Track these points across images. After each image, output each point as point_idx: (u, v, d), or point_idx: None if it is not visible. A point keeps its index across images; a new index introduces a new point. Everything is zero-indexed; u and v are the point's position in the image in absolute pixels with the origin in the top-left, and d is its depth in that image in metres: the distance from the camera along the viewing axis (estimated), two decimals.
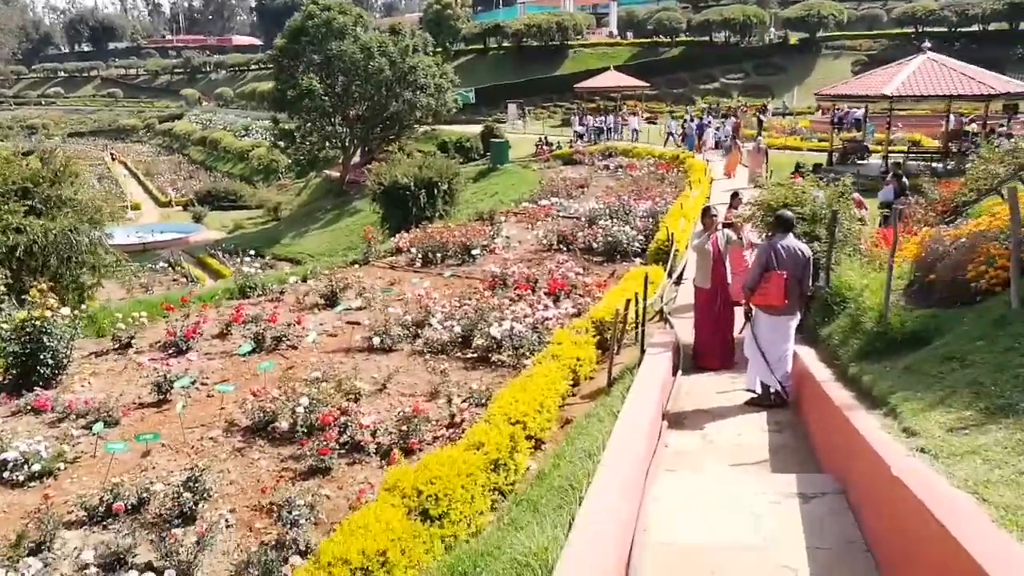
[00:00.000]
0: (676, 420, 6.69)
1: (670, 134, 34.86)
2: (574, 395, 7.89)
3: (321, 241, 35.59)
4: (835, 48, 58.74)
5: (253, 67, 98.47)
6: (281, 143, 41.04)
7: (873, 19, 65.19)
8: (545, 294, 11.92)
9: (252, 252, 35.75)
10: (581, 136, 37.38)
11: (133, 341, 10.19)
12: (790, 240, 6.71)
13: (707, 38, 62.28)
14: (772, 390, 6.84)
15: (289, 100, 37.50)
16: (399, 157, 21.92)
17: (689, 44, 62.43)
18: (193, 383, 8.75)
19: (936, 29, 53.96)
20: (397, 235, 17.32)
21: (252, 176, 58.15)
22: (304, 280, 13.47)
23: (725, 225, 8.28)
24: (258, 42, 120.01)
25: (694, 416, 6.78)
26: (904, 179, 15.04)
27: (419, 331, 10.23)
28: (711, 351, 8.30)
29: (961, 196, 10.22)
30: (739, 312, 7.82)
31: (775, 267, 6.56)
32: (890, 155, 23.05)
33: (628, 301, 8.58)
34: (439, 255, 15.12)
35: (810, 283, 6.91)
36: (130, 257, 36.43)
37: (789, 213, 6.94)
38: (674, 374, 7.87)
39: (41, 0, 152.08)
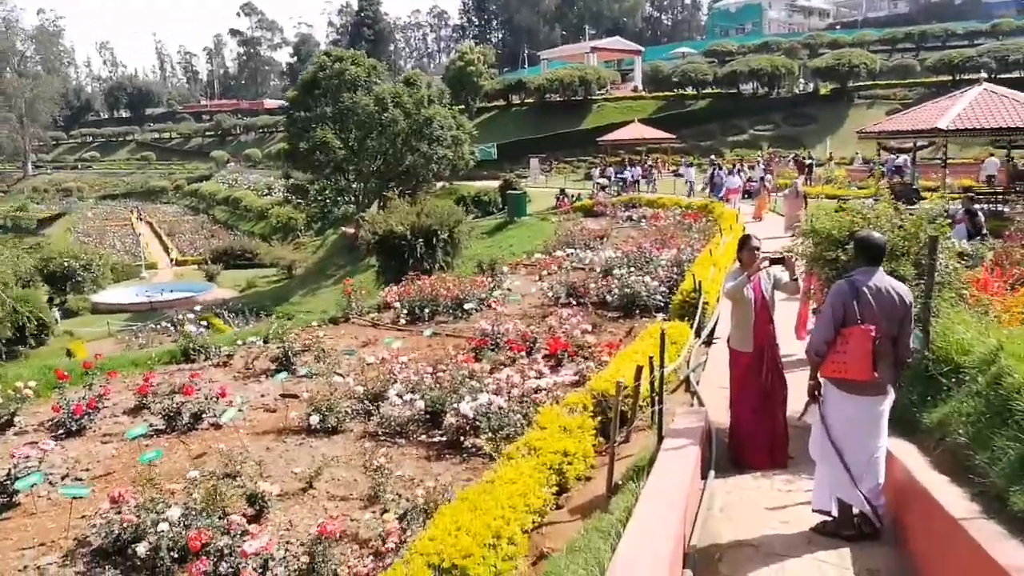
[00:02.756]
0: (705, 563, 4.31)
1: (690, 184, 33.20)
2: (560, 506, 5.55)
3: (331, 299, 33.80)
4: (868, 97, 56.72)
5: (280, 128, 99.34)
6: (294, 198, 39.69)
7: (906, 69, 63.13)
8: (544, 357, 9.66)
9: (258, 311, 34.70)
10: (604, 188, 35.51)
11: (16, 419, 8.06)
12: (880, 278, 4.41)
13: (734, 90, 60.74)
14: (856, 511, 4.45)
15: (302, 154, 36.23)
16: (397, 204, 19.96)
17: (716, 96, 60.92)
18: (55, 480, 6.55)
19: (974, 76, 51.75)
20: (386, 289, 15.24)
21: (271, 234, 57.21)
22: (266, 340, 11.33)
23: (773, 261, 5.92)
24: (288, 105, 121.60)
25: (733, 556, 4.38)
26: (979, 216, 12.62)
27: (376, 406, 7.97)
28: (756, 442, 5.89)
29: None
30: (795, 378, 5.48)
31: (857, 319, 4.26)
32: (952, 197, 20.58)
33: (640, 368, 6.28)
34: (428, 311, 12.96)
35: (910, 343, 4.52)
36: (136, 316, 35.55)
37: (878, 235, 4.59)
38: (703, 476, 5.50)
39: (84, 70, 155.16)
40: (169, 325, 32.48)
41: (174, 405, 7.79)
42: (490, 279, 14.65)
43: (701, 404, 7.09)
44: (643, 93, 65.85)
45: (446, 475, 6.60)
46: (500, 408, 7.34)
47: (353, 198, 38.97)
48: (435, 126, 36.85)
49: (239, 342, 10.79)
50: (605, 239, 21.70)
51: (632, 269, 14.33)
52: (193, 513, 5.46)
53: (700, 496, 5.17)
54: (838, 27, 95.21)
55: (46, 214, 77.99)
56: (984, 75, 21.62)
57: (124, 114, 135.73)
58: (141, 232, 66.24)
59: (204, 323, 31.48)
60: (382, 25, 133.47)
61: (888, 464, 4.45)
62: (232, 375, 9.73)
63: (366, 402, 8.00)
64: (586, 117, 60.43)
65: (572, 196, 34.55)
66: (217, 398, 7.99)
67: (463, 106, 58.58)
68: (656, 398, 6.27)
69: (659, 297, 12.70)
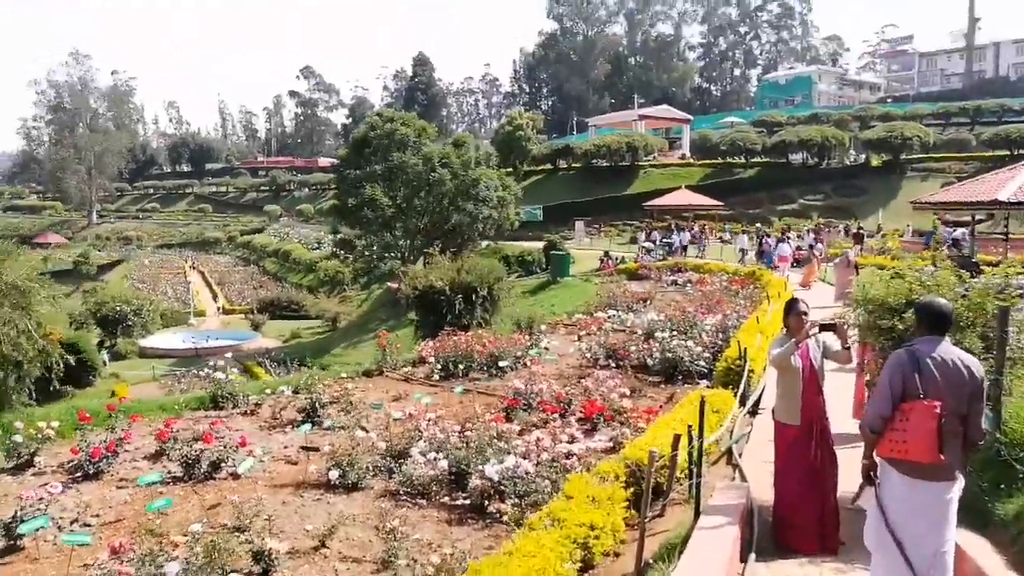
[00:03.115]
0: None
1: (743, 251, 32.63)
2: None
3: (371, 352, 33.60)
4: (921, 170, 55.78)
5: (332, 186, 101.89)
6: (342, 253, 40.23)
7: (961, 143, 62.07)
8: (578, 420, 9.23)
9: (299, 362, 34.80)
10: (649, 252, 35.21)
11: (37, 459, 7.92)
12: (946, 349, 3.98)
13: (784, 159, 60.38)
14: None
15: (350, 210, 36.84)
16: (438, 260, 19.91)
17: (765, 165, 60.59)
18: (64, 524, 6.33)
19: None
20: (422, 343, 15.02)
21: (319, 287, 57.99)
22: (296, 391, 11.12)
23: (823, 327, 5.49)
24: None
25: None
26: None
27: (398, 464, 7.62)
28: (803, 523, 5.37)
29: None
30: (847, 456, 4.99)
31: (919, 393, 3.83)
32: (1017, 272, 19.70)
33: (679, 437, 5.85)
34: (462, 367, 12.66)
35: (981, 423, 4.04)
36: (181, 362, 36.00)
37: (944, 301, 4.16)
38: (743, 558, 5.01)
39: (151, 126, 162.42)
40: (211, 372, 32.92)
41: (193, 452, 7.56)
42: (527, 337, 14.33)
43: (743, 479, 6.59)
44: (691, 160, 65.93)
45: (466, 541, 6.19)
46: (527, 472, 6.93)
47: (399, 254, 39.31)
48: (481, 186, 37.20)
49: (267, 391, 10.60)
50: (648, 302, 21.28)
51: (675, 333, 13.89)
52: (193, 569, 5.15)
53: None
54: (889, 100, 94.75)
55: (106, 260, 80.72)
56: None
57: (185, 168, 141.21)
58: (192, 280, 67.90)
59: (237, 369, 31.87)
60: (435, 90, 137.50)
61: (957, 561, 3.94)
62: (258, 424, 9.51)
63: (389, 459, 7.66)
64: (632, 182, 60.59)
65: (616, 259, 34.32)
66: (237, 447, 7.74)
67: (511, 169, 59.35)
68: (695, 470, 5.83)
69: (702, 363, 12.21)
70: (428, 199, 37.26)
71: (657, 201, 45.56)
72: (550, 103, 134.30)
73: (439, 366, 12.73)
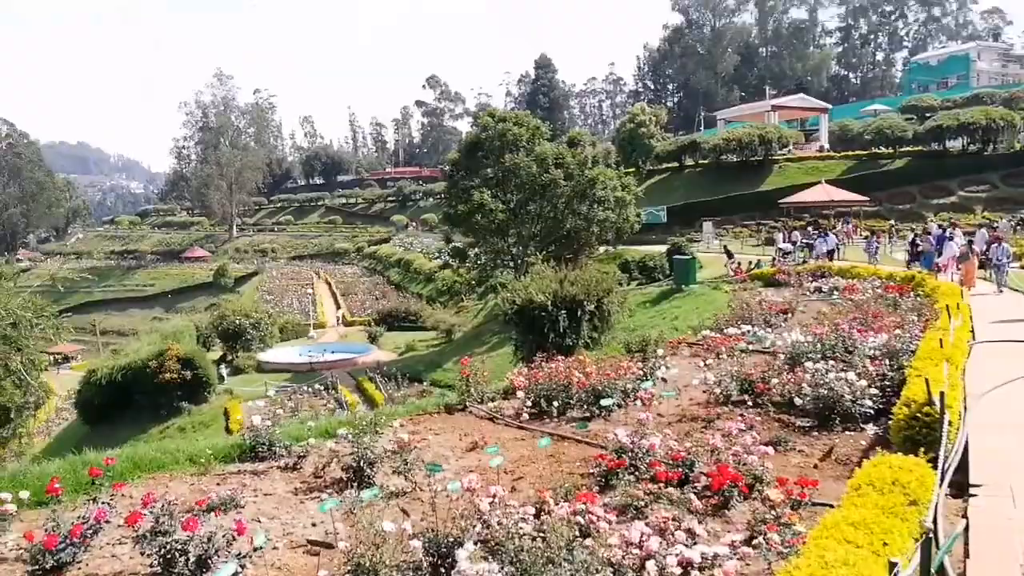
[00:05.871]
0: None
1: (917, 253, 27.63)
2: None
3: (482, 368, 32.20)
4: None
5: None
6: (454, 262, 38.99)
7: None
8: (702, 490, 6.84)
9: (411, 377, 33.71)
10: (786, 254, 31.57)
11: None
12: None
13: (939, 147, 53.93)
14: None
15: (460, 216, 35.48)
16: (540, 269, 17.74)
17: (916, 155, 54.39)
18: None
19: None
20: (515, 370, 12.93)
21: (438, 297, 57.53)
22: (361, 434, 9.23)
23: None
24: None
25: None
26: None
27: (441, 568, 5.51)
28: None
29: None
30: None
31: None
32: None
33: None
34: (556, 404, 10.45)
35: None
36: (296, 377, 35.85)
37: None
38: None
39: (288, 141, 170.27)
40: (322, 388, 32.40)
41: (177, 544, 5.73)
42: (640, 364, 11.90)
43: None
44: (830, 152, 60.42)
45: None
46: None
47: (512, 262, 37.56)
48: (598, 187, 34.81)
49: (311, 440, 8.79)
50: (790, 315, 18.26)
51: (828, 358, 11.08)
52: None
53: None
54: None
55: (242, 272, 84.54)
56: None
57: (318, 181, 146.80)
58: (318, 292, 69.43)
59: (327, 385, 30.98)
60: (557, 93, 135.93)
61: None
62: (295, 485, 7.69)
63: (427, 565, 5.52)
64: (766, 178, 56.15)
65: (752, 262, 31.03)
66: (234, 536, 5.85)
67: (633, 168, 56.53)
68: None
69: (868, 402, 9.39)
70: (542, 203, 35.31)
71: (794, 198, 41.54)
72: (676, 99, 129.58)
73: (529, 402, 10.56)
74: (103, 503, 6.40)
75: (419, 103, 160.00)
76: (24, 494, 6.53)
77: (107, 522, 6.23)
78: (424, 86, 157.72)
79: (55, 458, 9.35)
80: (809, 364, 10.67)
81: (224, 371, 35.65)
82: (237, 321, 38.20)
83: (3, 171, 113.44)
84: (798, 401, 9.85)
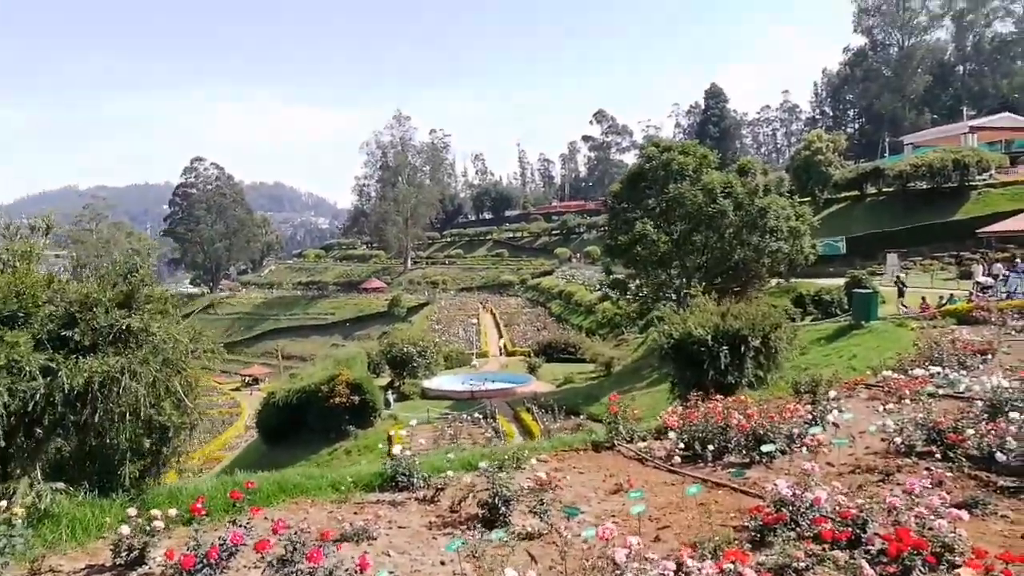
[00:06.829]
0: None
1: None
2: None
3: (640, 404, 31.23)
4: None
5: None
6: (613, 293, 38.39)
7: None
8: (872, 560, 5.89)
9: (567, 410, 33.38)
10: (985, 289, 28.18)
11: (148, 554, 6.58)
12: None
13: None
14: None
15: (620, 248, 34.89)
16: (700, 302, 16.78)
17: None
18: None
19: None
20: (670, 408, 12.16)
21: (597, 329, 57.03)
22: (500, 468, 8.97)
23: None
24: None
25: None
26: None
27: None
28: None
29: None
30: None
31: None
32: None
33: None
34: (712, 447, 9.62)
35: None
36: (457, 404, 36.64)
37: None
38: None
39: (460, 178, 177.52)
40: (481, 417, 32.84)
41: (294, 572, 5.66)
42: (809, 406, 10.77)
43: None
44: None
45: None
46: None
47: (674, 294, 36.34)
48: (770, 216, 32.94)
49: (449, 472, 8.60)
50: (990, 356, 16.06)
51: None
52: None
53: None
54: None
55: (414, 303, 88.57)
56: None
57: (487, 216, 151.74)
58: (482, 322, 71.16)
59: (486, 413, 31.03)
60: (728, 122, 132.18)
61: None
62: (429, 519, 7.49)
63: None
64: (962, 206, 50.89)
65: (943, 298, 27.99)
66: (357, 570, 5.69)
67: (809, 198, 53.37)
68: None
69: None
70: (708, 233, 33.95)
71: (997, 226, 37.30)
72: (857, 125, 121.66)
73: (682, 444, 9.81)
74: (241, 526, 6.54)
75: (586, 138, 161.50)
76: (172, 511, 6.81)
77: (244, 545, 6.34)
78: (591, 121, 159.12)
79: (224, 474, 9.88)
80: (1015, 415, 9.14)
81: (391, 396, 37.12)
82: (405, 349, 39.79)
83: (211, 210, 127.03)
84: (1001, 456, 8.41)
